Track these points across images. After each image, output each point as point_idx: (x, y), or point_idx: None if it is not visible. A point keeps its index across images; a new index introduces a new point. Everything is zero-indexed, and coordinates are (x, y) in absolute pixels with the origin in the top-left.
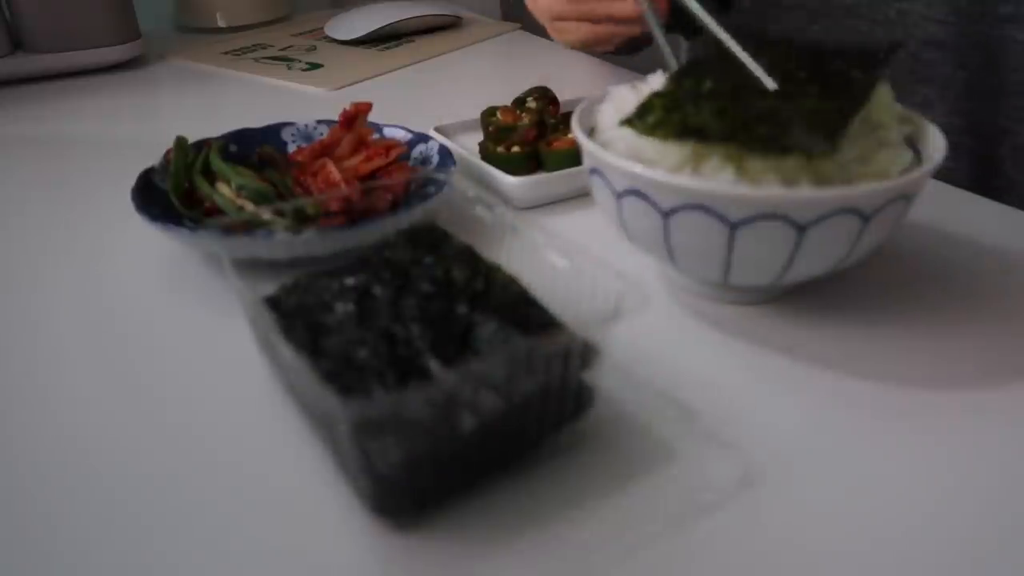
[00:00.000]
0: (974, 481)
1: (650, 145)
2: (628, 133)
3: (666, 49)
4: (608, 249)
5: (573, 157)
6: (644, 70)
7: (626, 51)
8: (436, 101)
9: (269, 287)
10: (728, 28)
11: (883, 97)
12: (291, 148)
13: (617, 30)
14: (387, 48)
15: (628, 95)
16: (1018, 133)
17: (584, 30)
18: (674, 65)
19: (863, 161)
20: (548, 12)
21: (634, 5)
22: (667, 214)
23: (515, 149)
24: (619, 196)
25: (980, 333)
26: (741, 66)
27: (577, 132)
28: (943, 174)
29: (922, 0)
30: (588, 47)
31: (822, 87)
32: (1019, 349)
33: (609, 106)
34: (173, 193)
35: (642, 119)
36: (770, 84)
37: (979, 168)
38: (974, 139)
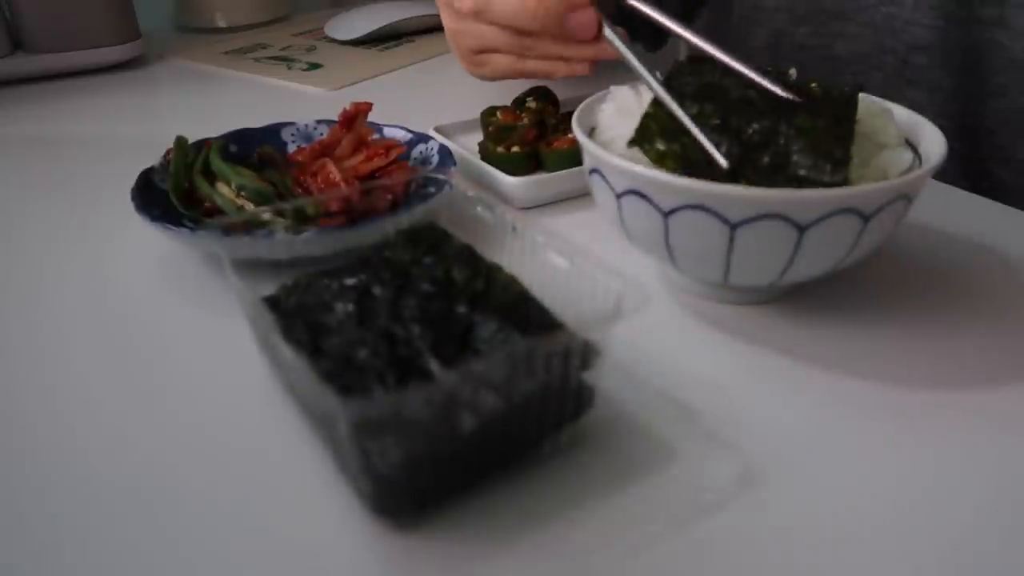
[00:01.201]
0: (975, 481)
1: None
2: (630, 132)
3: (644, 75)
4: (608, 249)
5: (573, 157)
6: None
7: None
8: (436, 101)
9: (269, 287)
10: (714, 36)
11: (869, 108)
12: (291, 148)
13: (559, 68)
14: (387, 48)
15: (629, 95)
16: (1003, 135)
17: (514, 64)
18: (656, 88)
19: (862, 164)
20: (478, 44)
21: (591, 50)
22: (667, 214)
23: (515, 149)
24: (619, 196)
25: (980, 333)
26: (723, 85)
27: (577, 132)
28: (934, 177)
29: (908, 4)
30: (510, 78)
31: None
32: (1019, 349)
33: (610, 105)
34: (173, 193)
35: (648, 143)
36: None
37: (968, 170)
38: (962, 142)
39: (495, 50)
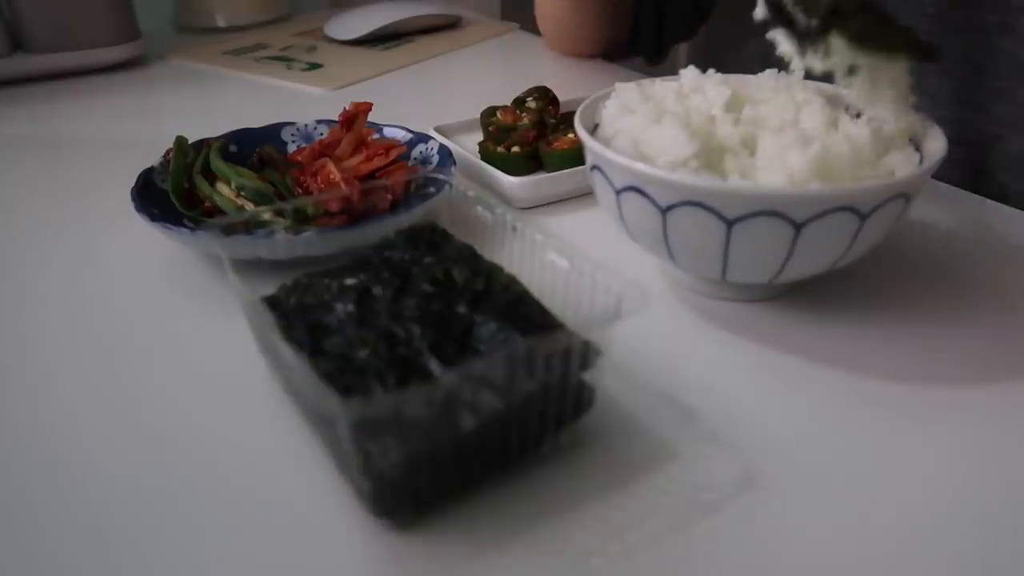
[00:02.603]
0: (974, 480)
1: (653, 140)
2: (631, 127)
3: None
4: (608, 249)
5: (573, 157)
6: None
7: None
8: (436, 101)
9: (269, 287)
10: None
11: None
12: (291, 148)
13: None
14: (387, 48)
15: (633, 92)
16: (1008, 140)
17: None
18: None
19: (874, 164)
20: None
21: None
22: (665, 210)
23: (515, 149)
24: (619, 192)
25: (980, 332)
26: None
27: (579, 128)
28: (937, 178)
29: (910, 11)
30: None
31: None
32: (1019, 348)
33: (614, 102)
34: (173, 193)
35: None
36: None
37: (971, 176)
38: (964, 148)
39: None
